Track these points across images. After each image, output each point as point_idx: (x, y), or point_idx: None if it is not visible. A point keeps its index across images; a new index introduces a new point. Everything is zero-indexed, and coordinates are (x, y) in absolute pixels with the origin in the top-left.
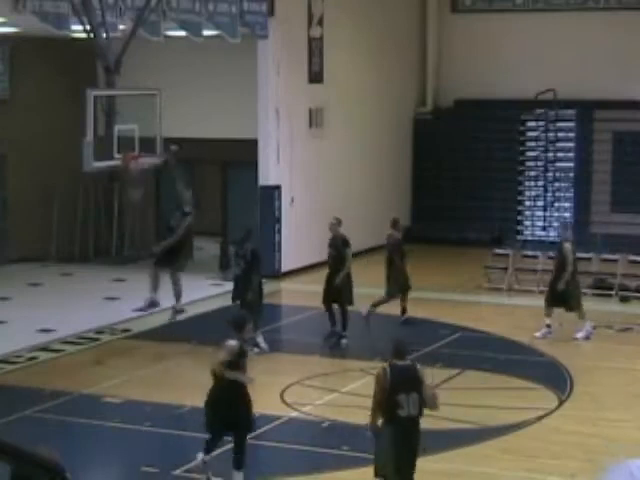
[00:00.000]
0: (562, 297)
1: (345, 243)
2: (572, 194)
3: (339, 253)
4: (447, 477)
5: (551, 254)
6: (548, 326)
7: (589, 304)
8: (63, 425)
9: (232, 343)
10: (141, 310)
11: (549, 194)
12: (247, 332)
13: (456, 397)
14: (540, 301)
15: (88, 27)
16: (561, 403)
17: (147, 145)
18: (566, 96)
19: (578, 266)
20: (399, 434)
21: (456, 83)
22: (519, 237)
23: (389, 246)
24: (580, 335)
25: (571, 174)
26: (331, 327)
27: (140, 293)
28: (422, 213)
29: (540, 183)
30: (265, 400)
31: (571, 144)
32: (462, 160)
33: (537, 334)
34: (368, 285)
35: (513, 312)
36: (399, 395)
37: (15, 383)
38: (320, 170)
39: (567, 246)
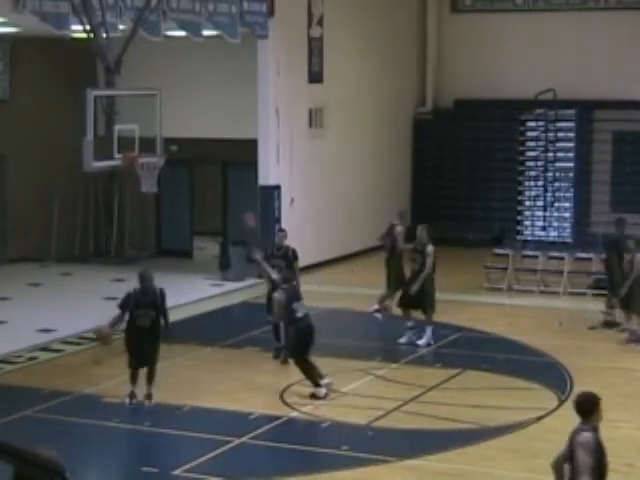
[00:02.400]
0: (417, 299)
1: (295, 256)
2: (572, 194)
3: (290, 266)
4: (447, 477)
5: (552, 254)
6: (411, 328)
7: (589, 304)
8: (63, 425)
9: (587, 435)
10: None
11: (549, 194)
12: (596, 418)
13: (456, 397)
14: (540, 301)
15: (88, 27)
16: (561, 403)
17: (147, 145)
18: (566, 96)
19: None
20: (299, 328)
21: (456, 83)
22: (519, 237)
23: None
24: (422, 342)
25: (571, 174)
26: (277, 343)
27: None
28: (422, 213)
29: (540, 183)
30: (265, 400)
31: (571, 144)
32: (462, 160)
33: (402, 339)
34: (368, 286)
35: (513, 312)
36: (293, 304)
37: (15, 383)
38: (320, 170)
39: (430, 248)
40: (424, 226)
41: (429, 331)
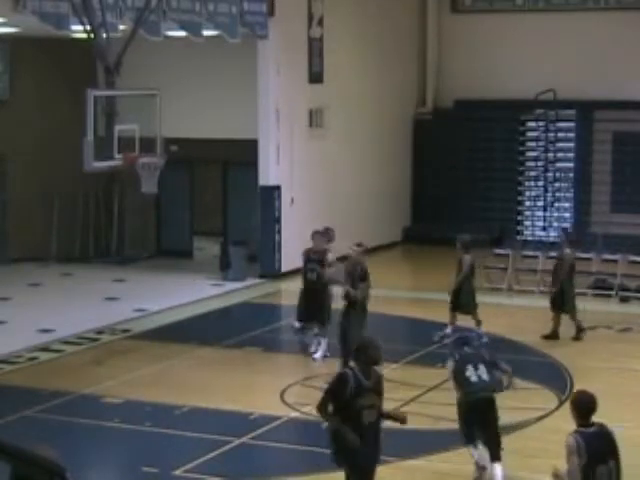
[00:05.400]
0: (314, 312)
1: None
2: (572, 194)
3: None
4: (447, 477)
5: (552, 254)
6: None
7: (589, 304)
8: (63, 425)
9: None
10: None
11: (549, 194)
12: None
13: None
14: (540, 301)
15: (88, 27)
16: (561, 403)
17: (147, 145)
18: (566, 96)
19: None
20: None
21: (456, 83)
22: (519, 237)
23: None
24: (318, 355)
25: (571, 174)
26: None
27: (140, 293)
28: (422, 213)
29: (540, 183)
30: (265, 400)
31: (571, 144)
32: (462, 160)
33: (316, 355)
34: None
35: (513, 312)
36: None
37: (15, 383)
38: (320, 170)
39: (330, 256)
40: (325, 229)
41: (324, 344)
